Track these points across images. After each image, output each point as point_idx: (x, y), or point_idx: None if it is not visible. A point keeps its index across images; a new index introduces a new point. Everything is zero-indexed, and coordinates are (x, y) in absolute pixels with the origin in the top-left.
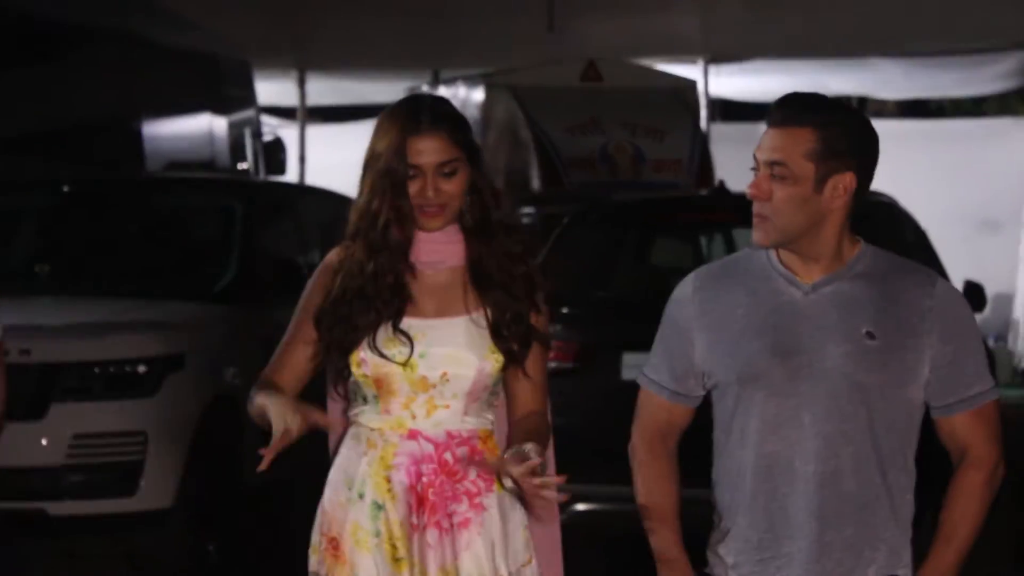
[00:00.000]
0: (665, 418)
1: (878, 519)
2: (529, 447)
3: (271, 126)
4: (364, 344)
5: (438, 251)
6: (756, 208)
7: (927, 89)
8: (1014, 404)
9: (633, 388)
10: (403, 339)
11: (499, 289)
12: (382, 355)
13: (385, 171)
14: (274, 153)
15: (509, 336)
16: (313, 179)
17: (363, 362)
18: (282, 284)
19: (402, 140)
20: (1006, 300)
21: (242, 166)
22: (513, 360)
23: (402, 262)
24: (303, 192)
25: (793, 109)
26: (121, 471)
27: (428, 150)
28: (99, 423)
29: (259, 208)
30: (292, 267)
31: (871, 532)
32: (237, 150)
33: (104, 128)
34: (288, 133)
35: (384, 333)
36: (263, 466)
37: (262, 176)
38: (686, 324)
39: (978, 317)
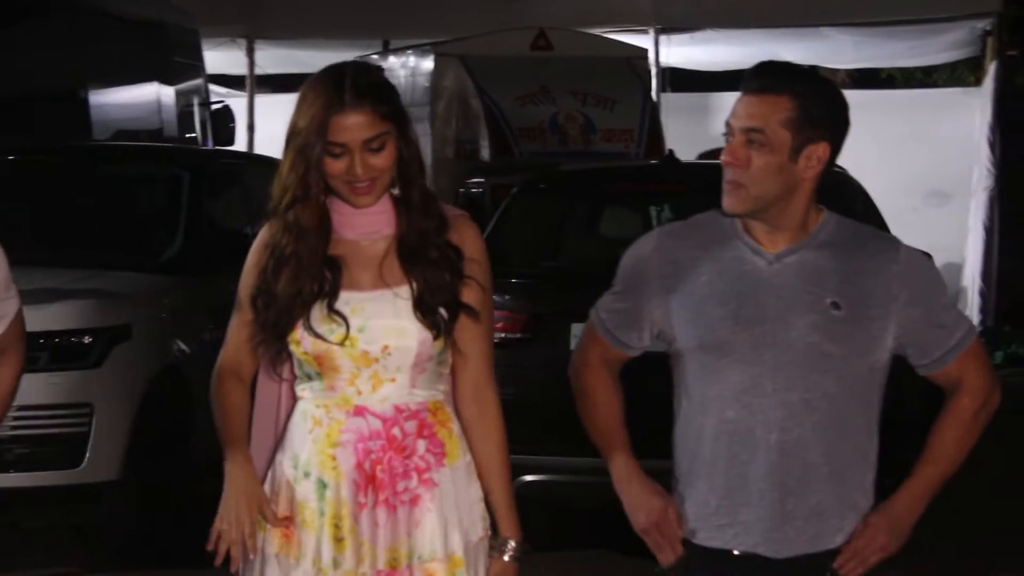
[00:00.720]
0: (609, 356)
1: (845, 487)
2: (511, 547)
3: (219, 95)
4: (300, 324)
5: (373, 222)
6: (730, 175)
7: (877, 59)
8: None
9: None
10: (337, 318)
11: (424, 262)
12: (317, 335)
13: (302, 148)
14: (222, 122)
15: (434, 306)
16: (261, 148)
17: (301, 341)
18: (229, 254)
19: (324, 118)
20: (955, 270)
21: (190, 135)
22: (442, 331)
23: (318, 240)
24: (251, 161)
25: (771, 77)
26: (66, 443)
27: (353, 127)
28: (44, 394)
29: (207, 178)
30: (239, 237)
31: (839, 500)
32: (185, 119)
33: (50, 97)
34: (236, 102)
35: (319, 311)
36: (211, 545)
37: (210, 145)
38: (642, 281)
39: None
